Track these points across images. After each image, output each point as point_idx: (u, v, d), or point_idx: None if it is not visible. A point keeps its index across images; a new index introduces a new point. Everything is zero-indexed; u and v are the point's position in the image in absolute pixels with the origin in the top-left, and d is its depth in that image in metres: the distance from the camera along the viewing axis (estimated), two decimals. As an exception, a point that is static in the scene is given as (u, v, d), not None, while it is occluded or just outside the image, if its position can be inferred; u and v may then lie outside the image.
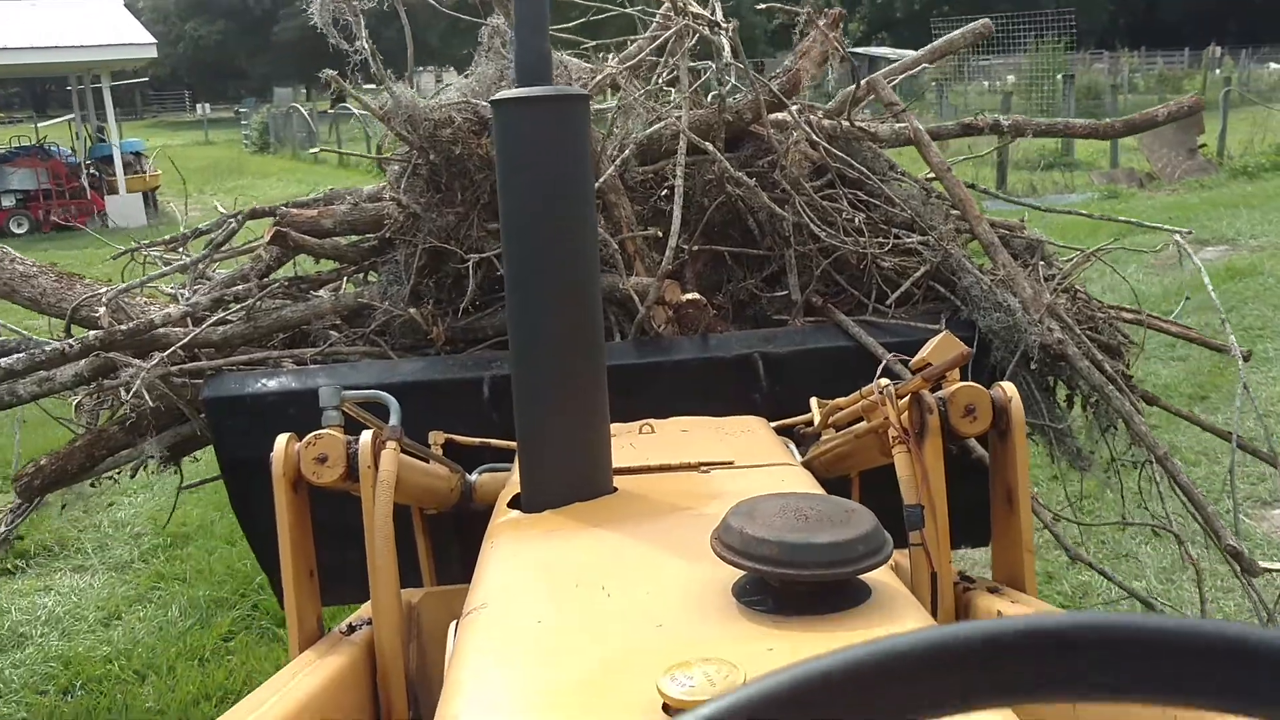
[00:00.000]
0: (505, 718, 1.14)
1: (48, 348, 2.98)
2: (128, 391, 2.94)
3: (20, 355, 2.95)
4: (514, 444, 2.08)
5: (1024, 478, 1.88)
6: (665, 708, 1.05)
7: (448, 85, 3.39)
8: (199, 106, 51.54)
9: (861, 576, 1.31)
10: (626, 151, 3.20)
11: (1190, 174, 16.58)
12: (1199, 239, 5.54)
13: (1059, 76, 20.09)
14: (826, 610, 1.27)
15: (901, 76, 3.94)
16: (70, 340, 3.01)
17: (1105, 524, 3.91)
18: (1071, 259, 3.37)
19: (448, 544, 2.77)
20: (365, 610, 1.92)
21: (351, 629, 1.89)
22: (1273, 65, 35.59)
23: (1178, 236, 3.59)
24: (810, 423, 2.60)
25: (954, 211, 3.39)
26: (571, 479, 1.80)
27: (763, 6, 3.46)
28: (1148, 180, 16.47)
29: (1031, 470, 4.75)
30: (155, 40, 22.39)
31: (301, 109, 31.40)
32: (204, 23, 55.41)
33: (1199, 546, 3.26)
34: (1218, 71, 34.26)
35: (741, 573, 1.33)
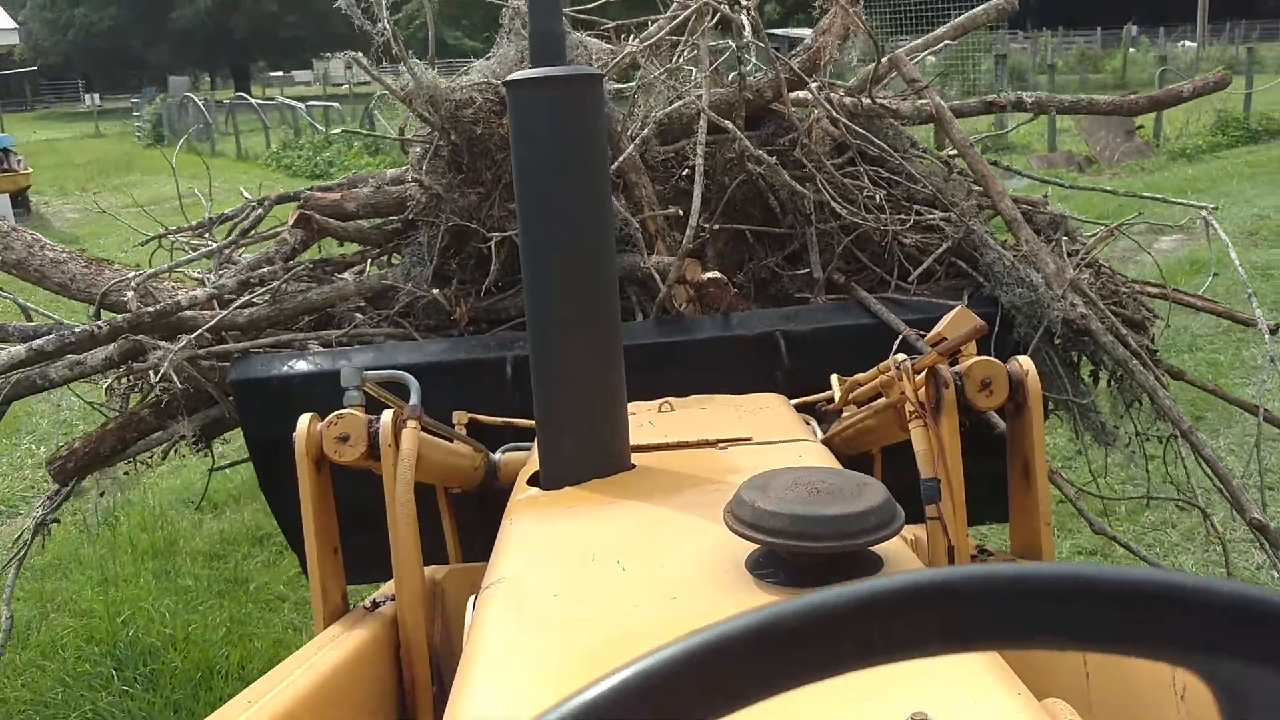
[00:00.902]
0: (520, 689, 1.17)
1: (77, 330, 3.03)
2: (156, 374, 2.98)
3: (50, 337, 3.00)
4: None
5: (1040, 451, 1.89)
6: None
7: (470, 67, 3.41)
8: (88, 97, 47.70)
9: (874, 548, 1.32)
10: (647, 130, 3.20)
11: (1129, 157, 15.98)
12: (1154, 229, 5.37)
13: (993, 57, 19.66)
14: (838, 582, 1.28)
15: (925, 54, 3.92)
16: (99, 323, 3.06)
17: (1130, 498, 3.89)
18: (1095, 234, 3.34)
19: (473, 522, 2.81)
20: (389, 587, 1.95)
21: (375, 605, 1.92)
22: (1187, 44, 35.13)
23: (1205, 213, 3.56)
24: (831, 400, 2.61)
25: (976, 188, 3.38)
26: (589, 456, 1.82)
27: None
28: (1086, 164, 15.98)
29: (1056, 445, 4.76)
30: (17, 26, 21.65)
31: (195, 99, 29.38)
32: (95, 8, 50.70)
33: (1225, 520, 3.24)
34: (1133, 50, 33.87)
35: (755, 546, 1.35)
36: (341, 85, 50.41)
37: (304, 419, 1.88)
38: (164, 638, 4.20)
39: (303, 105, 24.02)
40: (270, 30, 50.12)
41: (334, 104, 25.09)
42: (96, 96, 46.88)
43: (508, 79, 1.84)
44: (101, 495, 3.50)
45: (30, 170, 18.26)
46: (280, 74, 58.55)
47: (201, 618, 4.34)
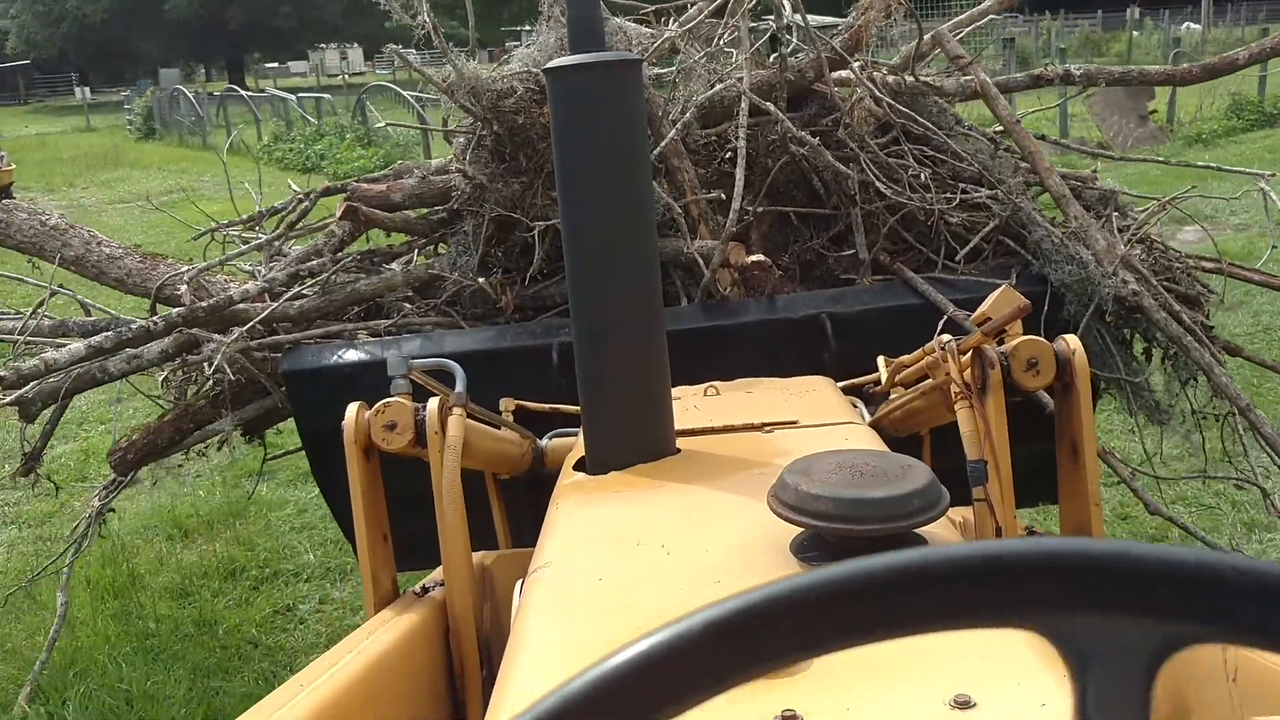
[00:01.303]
0: (565, 672, 1.18)
1: (134, 326, 3.09)
2: (210, 366, 3.04)
3: (109, 334, 3.07)
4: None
5: (1089, 430, 1.86)
6: None
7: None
8: (78, 90, 46.66)
9: (918, 530, 1.32)
10: (688, 115, 3.19)
11: (1142, 142, 15.22)
12: (1176, 219, 5.14)
13: (999, 41, 19.25)
14: None
15: (969, 29, 3.87)
16: (155, 318, 3.12)
17: (1186, 477, 3.82)
18: (1147, 209, 3.29)
19: (522, 508, 2.83)
20: (438, 573, 1.98)
21: (425, 590, 1.95)
22: (1192, 25, 34.05)
23: (1262, 182, 3.49)
24: (878, 382, 2.59)
25: (1023, 164, 3.33)
26: (634, 441, 1.83)
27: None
28: (1099, 150, 15.42)
29: (1110, 424, 4.69)
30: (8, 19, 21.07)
31: (186, 91, 28.82)
32: (87, 0, 49.25)
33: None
34: (1137, 34, 32.98)
35: (799, 529, 1.35)
36: (336, 76, 49.44)
37: (352, 408, 1.91)
38: (119, 694, 3.68)
39: (293, 97, 23.54)
40: (264, 21, 48.88)
41: (325, 95, 24.11)
42: (86, 90, 45.87)
43: (546, 66, 1.85)
44: (154, 485, 3.56)
45: (13, 167, 17.51)
46: (275, 65, 57.51)
47: (164, 668, 3.83)
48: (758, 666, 0.47)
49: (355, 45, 54.41)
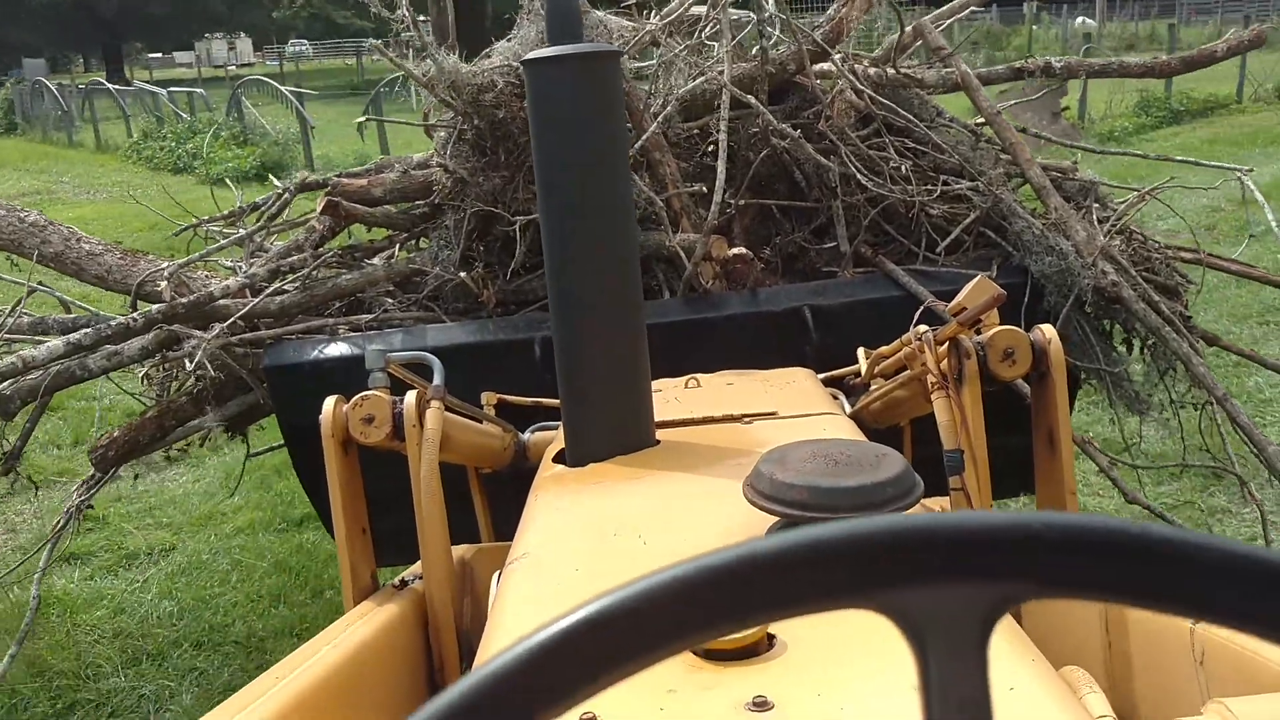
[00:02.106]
0: None
1: (113, 322, 3.08)
2: (191, 362, 3.03)
3: (88, 330, 3.05)
4: None
5: (1065, 420, 1.87)
6: (693, 649, 1.08)
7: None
8: None
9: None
10: (669, 108, 3.19)
11: (1055, 139, 15.57)
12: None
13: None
14: None
15: (950, 20, 3.88)
16: (135, 314, 3.11)
17: (1164, 466, 3.84)
18: (1126, 200, 3.30)
19: (506, 502, 2.83)
20: (417, 567, 1.98)
21: (404, 584, 1.94)
22: (1087, 20, 34.28)
23: (1240, 175, 3.51)
24: (859, 373, 2.60)
25: (1004, 156, 3.34)
26: (613, 433, 1.83)
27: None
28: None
29: (1089, 414, 4.71)
30: None
31: (48, 84, 26.36)
32: (-57, -15, 47.62)
33: (1262, 487, 3.20)
34: (1036, 28, 33.18)
35: (774, 518, 1.35)
36: (223, 67, 46.87)
37: (330, 401, 1.91)
38: None
39: (164, 91, 21.83)
40: (139, 7, 44.35)
41: (199, 90, 22.54)
42: (-65, 83, 42.24)
43: (525, 58, 1.85)
44: (135, 478, 3.55)
45: None
46: (159, 56, 54.75)
47: None
48: (619, 667, 0.48)
49: (243, 35, 52.41)
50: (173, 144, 18.16)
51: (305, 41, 54.60)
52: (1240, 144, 13.26)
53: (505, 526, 2.75)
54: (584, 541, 1.48)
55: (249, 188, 9.99)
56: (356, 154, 14.26)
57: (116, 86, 24.82)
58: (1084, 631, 1.65)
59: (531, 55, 1.83)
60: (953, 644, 0.48)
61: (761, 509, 1.32)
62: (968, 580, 0.47)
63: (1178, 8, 38.22)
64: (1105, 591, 0.48)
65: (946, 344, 1.86)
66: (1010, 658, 1.02)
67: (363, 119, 4.71)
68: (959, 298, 1.84)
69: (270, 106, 18.77)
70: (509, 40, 3.39)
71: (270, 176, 4.06)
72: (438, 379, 1.98)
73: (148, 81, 29.76)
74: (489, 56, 3.35)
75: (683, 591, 0.48)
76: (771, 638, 1.09)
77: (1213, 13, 35.88)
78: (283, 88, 17.98)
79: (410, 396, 1.89)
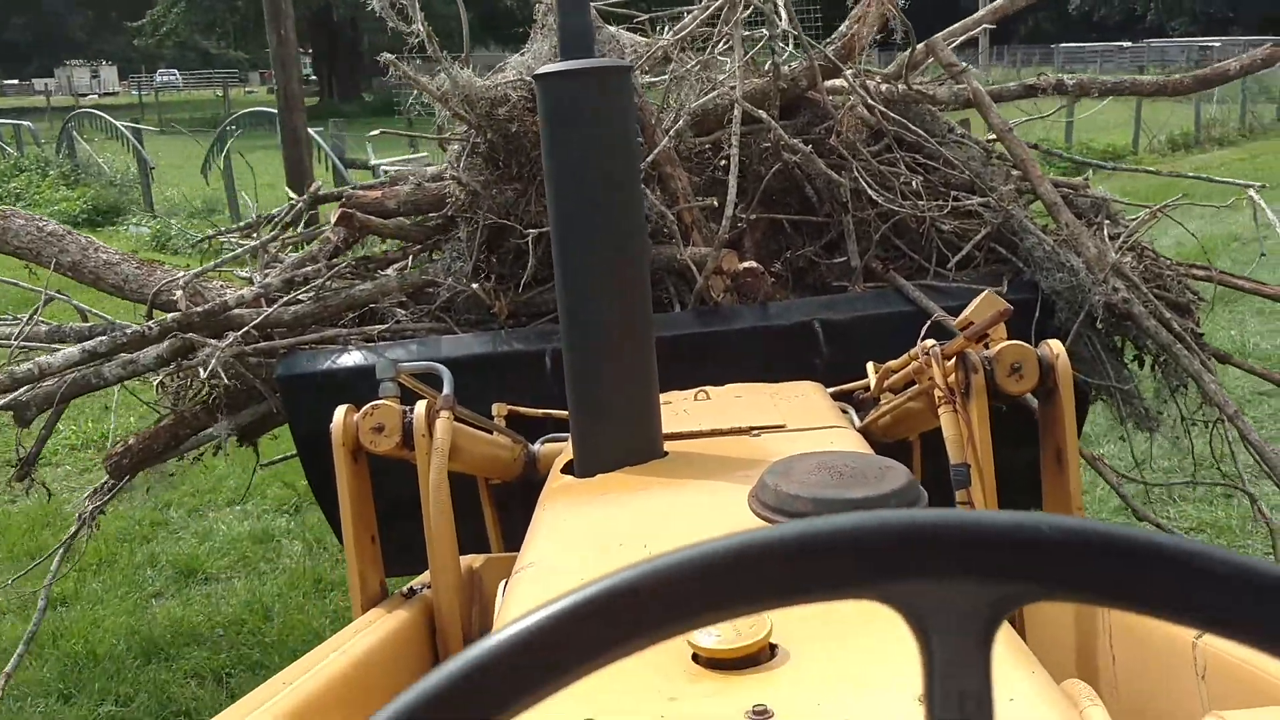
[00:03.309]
0: None
1: (129, 330, 3.11)
2: (205, 371, 3.05)
3: (104, 338, 3.09)
4: None
5: (1072, 435, 1.88)
6: (695, 657, 1.09)
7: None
8: None
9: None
10: (681, 122, 3.21)
11: None
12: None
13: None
14: None
15: (963, 37, 3.89)
16: (151, 323, 3.14)
17: (1174, 483, 3.83)
18: (1138, 217, 3.30)
19: (516, 513, 2.84)
20: (426, 575, 1.99)
21: (412, 592, 1.96)
22: (972, 68, 34.70)
23: (1252, 191, 3.50)
24: (868, 388, 2.60)
25: (1015, 172, 3.35)
26: (621, 444, 1.84)
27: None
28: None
29: (1099, 431, 4.69)
30: None
31: None
32: None
33: (1274, 506, 3.19)
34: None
35: None
36: (87, 95, 44.29)
37: (340, 410, 1.92)
38: None
39: None
40: None
41: (25, 123, 20.13)
42: None
43: (536, 72, 1.87)
44: (148, 490, 3.57)
45: None
46: (16, 82, 52.10)
47: None
48: (637, 639, 0.49)
49: (106, 63, 50.92)
50: (-6, 180, 15.87)
51: (175, 72, 52.46)
52: (1150, 197, 13.11)
53: (514, 537, 2.77)
54: (590, 551, 1.49)
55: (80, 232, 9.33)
56: (204, 198, 13.40)
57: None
58: (1086, 644, 1.65)
59: (543, 69, 1.85)
60: (957, 638, 0.49)
61: (766, 520, 1.33)
62: (975, 577, 0.48)
63: (1055, 56, 38.97)
64: (1110, 597, 0.49)
65: (954, 359, 1.86)
66: (1011, 669, 1.03)
67: (377, 132, 4.69)
68: (966, 312, 1.85)
69: (111, 142, 16.81)
70: (522, 54, 3.41)
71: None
72: (447, 389, 2.00)
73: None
74: (502, 70, 3.38)
75: (693, 572, 0.49)
76: (773, 647, 1.10)
77: (1089, 63, 36.09)
78: (118, 123, 15.88)
79: (420, 406, 1.91)
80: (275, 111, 11.84)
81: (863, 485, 1.32)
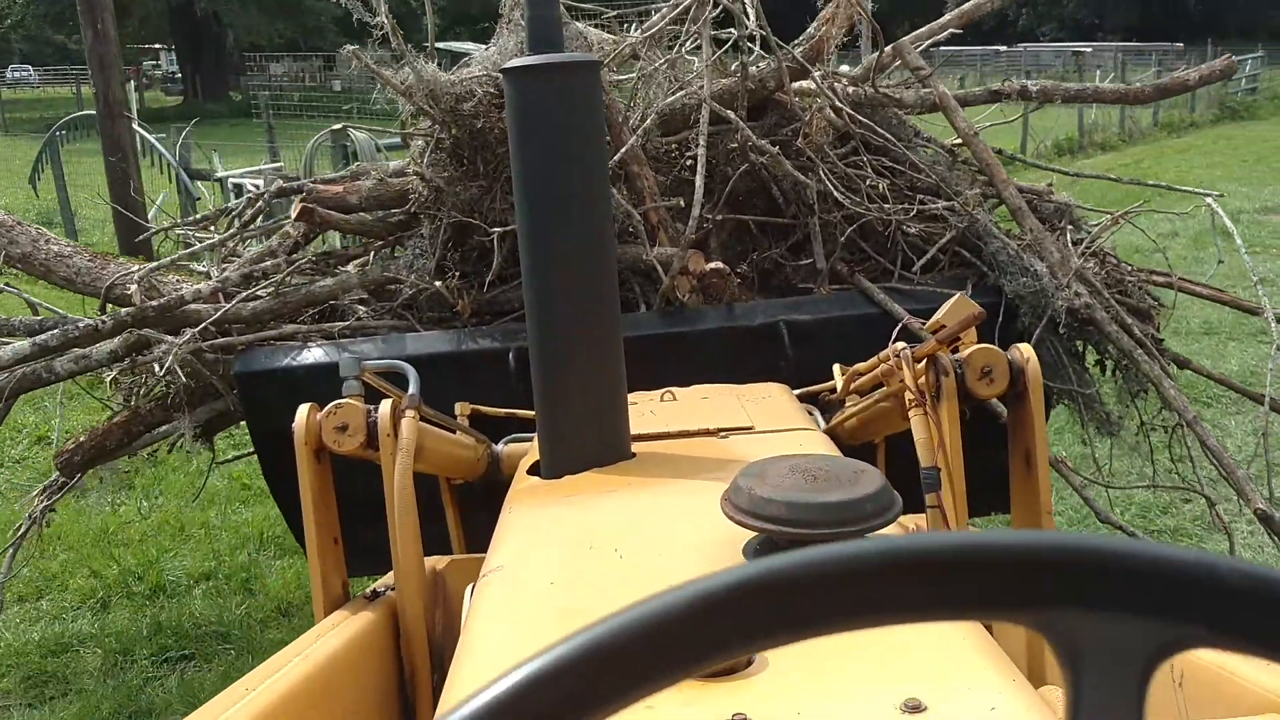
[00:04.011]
0: None
1: (81, 324, 3.03)
2: (160, 367, 2.99)
3: (54, 331, 3.01)
4: None
5: (1042, 440, 1.88)
6: None
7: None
8: None
9: (871, 536, 1.32)
10: (649, 122, 3.19)
11: None
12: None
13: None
14: None
15: (928, 42, 3.90)
16: (103, 317, 3.06)
17: (1134, 487, 3.87)
18: (1100, 223, 3.33)
19: (478, 514, 2.81)
20: (389, 577, 1.95)
21: (375, 594, 1.92)
22: None
23: (1209, 199, 3.55)
24: (834, 389, 2.60)
25: (980, 177, 3.36)
26: (589, 445, 1.82)
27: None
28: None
29: (1061, 435, 4.74)
30: None
31: None
32: None
33: (1230, 511, 3.22)
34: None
35: (751, 533, 1.34)
36: None
37: (303, 409, 1.88)
38: None
39: None
40: None
41: None
42: None
43: (504, 66, 1.84)
44: (100, 481, 3.49)
45: None
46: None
47: None
48: (754, 642, 0.46)
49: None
50: None
51: (29, 68, 49.31)
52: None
53: (475, 538, 2.73)
54: (559, 555, 1.47)
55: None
56: (38, 210, 12.07)
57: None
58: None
59: (511, 63, 1.82)
60: (1112, 677, 0.46)
61: (739, 524, 1.31)
62: (1142, 616, 0.45)
63: (934, 59, 39.46)
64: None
65: (924, 361, 1.85)
66: (989, 677, 1.01)
67: (337, 126, 4.63)
68: (938, 315, 1.84)
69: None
70: (488, 49, 3.38)
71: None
72: (413, 388, 1.96)
73: None
74: (467, 65, 3.34)
75: (847, 575, 0.45)
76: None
77: (968, 66, 36.22)
78: None
79: (385, 405, 1.87)
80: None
81: (836, 489, 1.30)
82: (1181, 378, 3.35)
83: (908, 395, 1.85)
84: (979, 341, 1.92)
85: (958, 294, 1.89)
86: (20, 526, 3.44)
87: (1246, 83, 25.25)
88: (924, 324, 2.12)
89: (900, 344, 1.95)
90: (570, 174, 1.79)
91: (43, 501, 3.35)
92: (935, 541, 0.46)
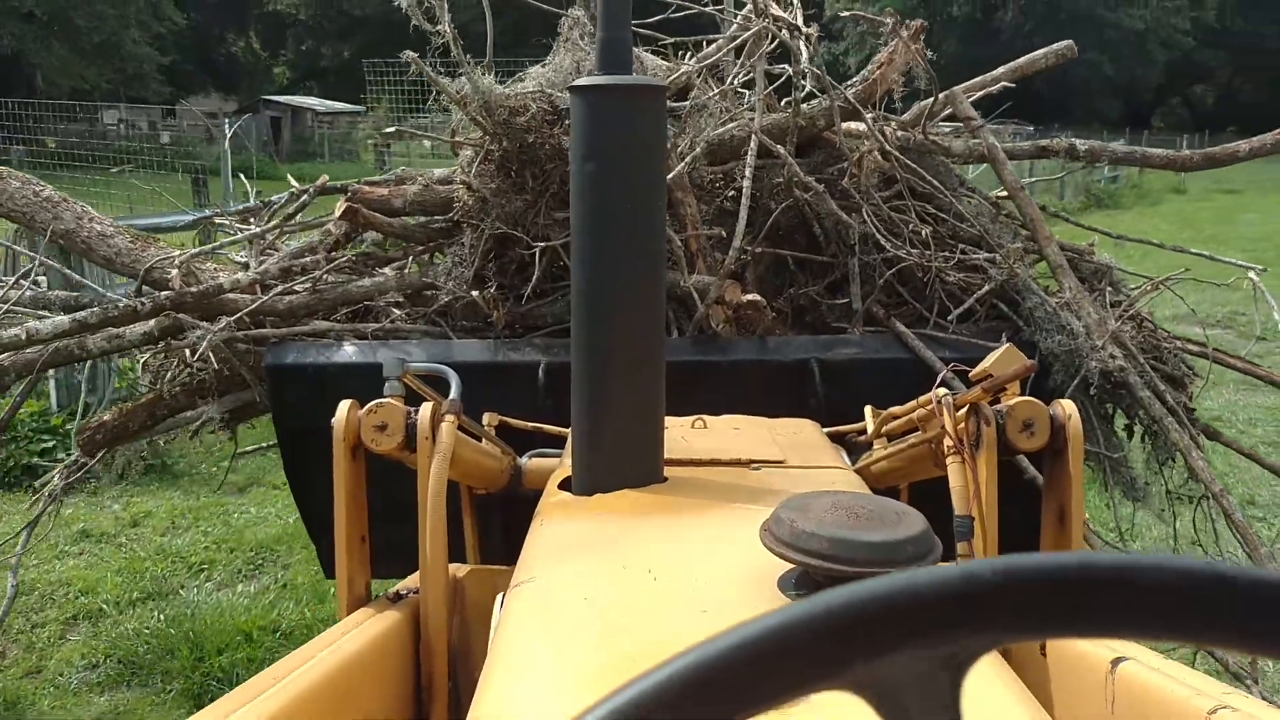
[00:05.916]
0: (549, 692, 1.16)
1: (120, 304, 3.05)
2: (193, 353, 3.00)
3: (94, 309, 3.03)
4: (565, 430, 2.09)
5: (1079, 497, 1.87)
6: None
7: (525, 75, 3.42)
8: None
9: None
10: (697, 150, 3.20)
11: None
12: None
13: None
14: None
15: (981, 93, 3.91)
16: (142, 298, 3.08)
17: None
18: (1139, 286, 3.32)
19: (492, 525, 2.81)
20: (411, 580, 1.95)
21: (399, 596, 1.92)
22: None
23: (1252, 274, 3.53)
24: (863, 431, 2.59)
25: (1023, 231, 3.36)
26: (624, 465, 1.82)
27: (846, 14, 3.45)
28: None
29: (1085, 495, 4.70)
30: None
31: None
32: None
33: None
34: None
35: (788, 566, 1.34)
36: None
37: (344, 405, 1.88)
38: None
39: None
40: None
41: None
42: None
43: (573, 84, 1.85)
44: (127, 463, 3.50)
45: None
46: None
47: None
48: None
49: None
50: None
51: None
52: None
53: (490, 549, 2.73)
54: (592, 572, 1.46)
55: None
56: None
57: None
58: (1089, 692, 1.63)
59: (581, 81, 1.83)
60: (928, 703, 0.47)
61: (778, 555, 1.30)
62: (934, 644, 0.46)
63: None
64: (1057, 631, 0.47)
65: (966, 409, 1.85)
66: (1017, 712, 1.01)
67: (392, 129, 4.66)
68: (985, 364, 1.83)
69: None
70: (543, 66, 3.40)
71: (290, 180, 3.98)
72: (454, 393, 1.96)
73: None
74: (522, 80, 3.36)
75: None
76: None
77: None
78: None
79: (426, 408, 1.87)
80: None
81: (880, 528, 1.29)
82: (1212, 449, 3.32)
83: (946, 442, 1.84)
84: (1018, 391, 1.91)
85: (1006, 344, 1.88)
86: (36, 504, 3.45)
87: (1109, 170, 25.10)
88: (963, 372, 2.11)
89: (942, 389, 1.94)
90: (630, 196, 1.79)
91: (62, 480, 3.36)
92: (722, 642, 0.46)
